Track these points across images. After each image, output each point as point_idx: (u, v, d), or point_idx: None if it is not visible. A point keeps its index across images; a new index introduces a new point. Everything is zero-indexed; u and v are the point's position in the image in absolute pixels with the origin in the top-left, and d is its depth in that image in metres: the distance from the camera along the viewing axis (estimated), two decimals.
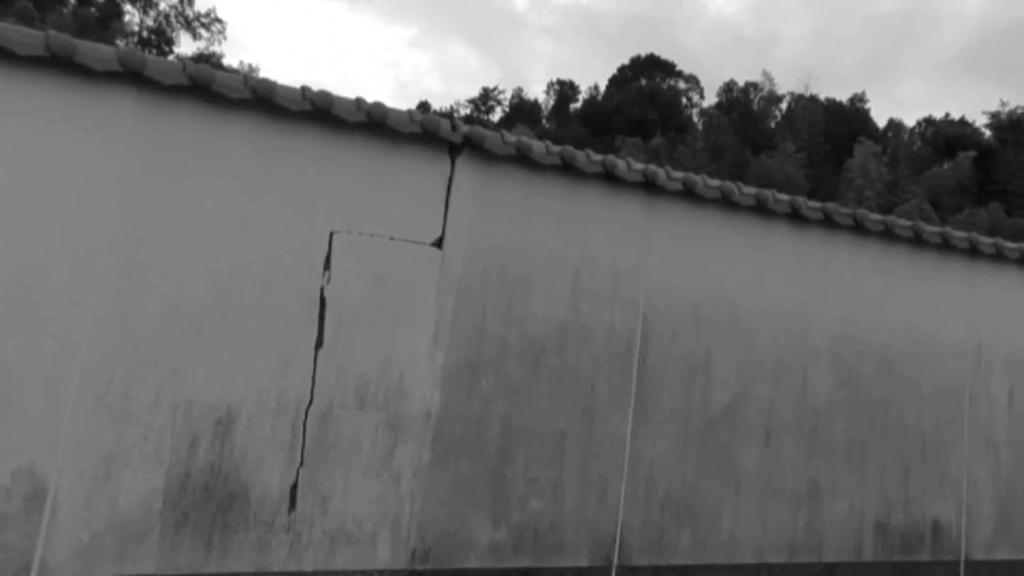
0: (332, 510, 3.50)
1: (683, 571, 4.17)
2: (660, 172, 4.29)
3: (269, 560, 3.37)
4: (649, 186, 4.28)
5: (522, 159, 3.98)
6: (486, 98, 68.37)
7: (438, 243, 3.82)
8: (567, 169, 4.08)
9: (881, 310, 4.88)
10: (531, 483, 3.89)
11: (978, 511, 5.02)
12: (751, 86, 61.96)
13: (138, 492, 3.17)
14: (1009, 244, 5.30)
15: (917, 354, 4.95)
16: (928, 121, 57.22)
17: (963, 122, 55.16)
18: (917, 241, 4.98)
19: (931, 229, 5.07)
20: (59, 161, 3.16)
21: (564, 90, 66.81)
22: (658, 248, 4.31)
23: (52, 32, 3.12)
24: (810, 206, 4.66)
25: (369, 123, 3.63)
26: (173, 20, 46.10)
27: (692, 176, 4.42)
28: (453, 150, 3.88)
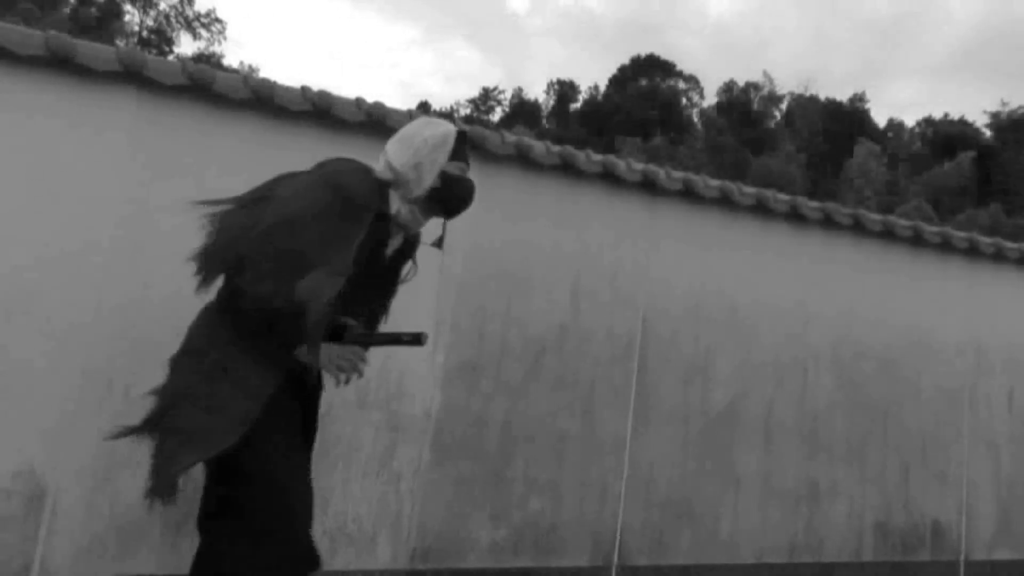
0: (332, 510, 3.50)
1: (683, 571, 4.17)
2: (660, 172, 4.29)
3: None
4: (649, 186, 4.28)
5: (522, 159, 3.98)
6: (486, 98, 68.39)
7: (438, 243, 3.80)
8: (567, 169, 4.08)
9: (881, 310, 4.88)
10: (531, 483, 3.90)
11: (978, 511, 5.02)
12: (751, 86, 61.98)
13: (138, 492, 3.15)
14: (1009, 244, 5.30)
15: (917, 354, 4.95)
16: (928, 121, 57.23)
17: (963, 122, 55.15)
18: (917, 241, 4.98)
19: (931, 229, 5.07)
20: (59, 161, 3.16)
21: (564, 90, 66.83)
22: (658, 248, 4.31)
23: (52, 32, 3.12)
24: (810, 206, 4.66)
25: (369, 123, 3.63)
26: (173, 20, 46.07)
27: (692, 176, 4.43)
28: None
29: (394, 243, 2.29)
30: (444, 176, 2.21)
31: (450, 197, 2.27)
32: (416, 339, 2.15)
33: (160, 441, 2.03)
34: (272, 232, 1.95)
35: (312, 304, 1.88)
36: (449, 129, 2.24)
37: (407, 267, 2.39)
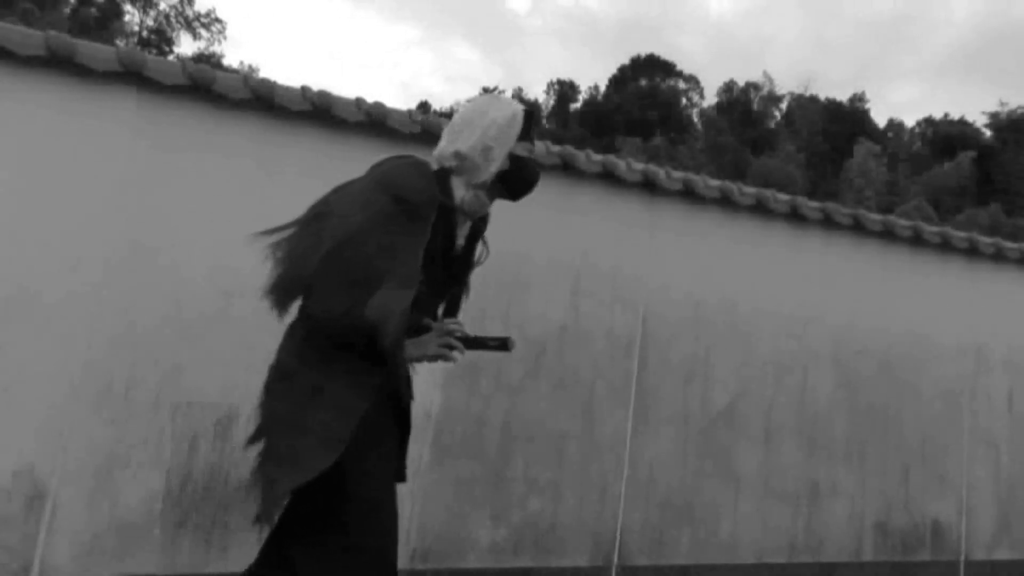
0: None
1: (683, 571, 4.17)
2: (660, 172, 4.29)
3: None
4: (649, 186, 4.28)
5: None
6: None
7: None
8: (567, 169, 4.08)
9: (881, 310, 4.88)
10: (531, 483, 3.89)
11: (978, 511, 5.02)
12: (751, 86, 61.96)
13: (138, 492, 3.17)
14: (1009, 244, 5.30)
15: (917, 354, 4.95)
16: (928, 121, 57.22)
17: (963, 122, 55.13)
18: (917, 241, 4.98)
19: (931, 229, 5.07)
20: (60, 160, 3.16)
21: (564, 90, 66.79)
22: (658, 248, 4.31)
23: (52, 32, 3.12)
24: (810, 206, 4.66)
25: (369, 123, 3.63)
26: (173, 20, 46.07)
27: (692, 176, 4.42)
28: None
29: (463, 231, 2.21)
30: (512, 158, 2.10)
31: (518, 180, 2.16)
32: (503, 344, 2.09)
33: (260, 466, 2.00)
34: (334, 253, 1.90)
35: (387, 323, 1.82)
36: (517, 108, 2.13)
37: (479, 249, 2.30)
